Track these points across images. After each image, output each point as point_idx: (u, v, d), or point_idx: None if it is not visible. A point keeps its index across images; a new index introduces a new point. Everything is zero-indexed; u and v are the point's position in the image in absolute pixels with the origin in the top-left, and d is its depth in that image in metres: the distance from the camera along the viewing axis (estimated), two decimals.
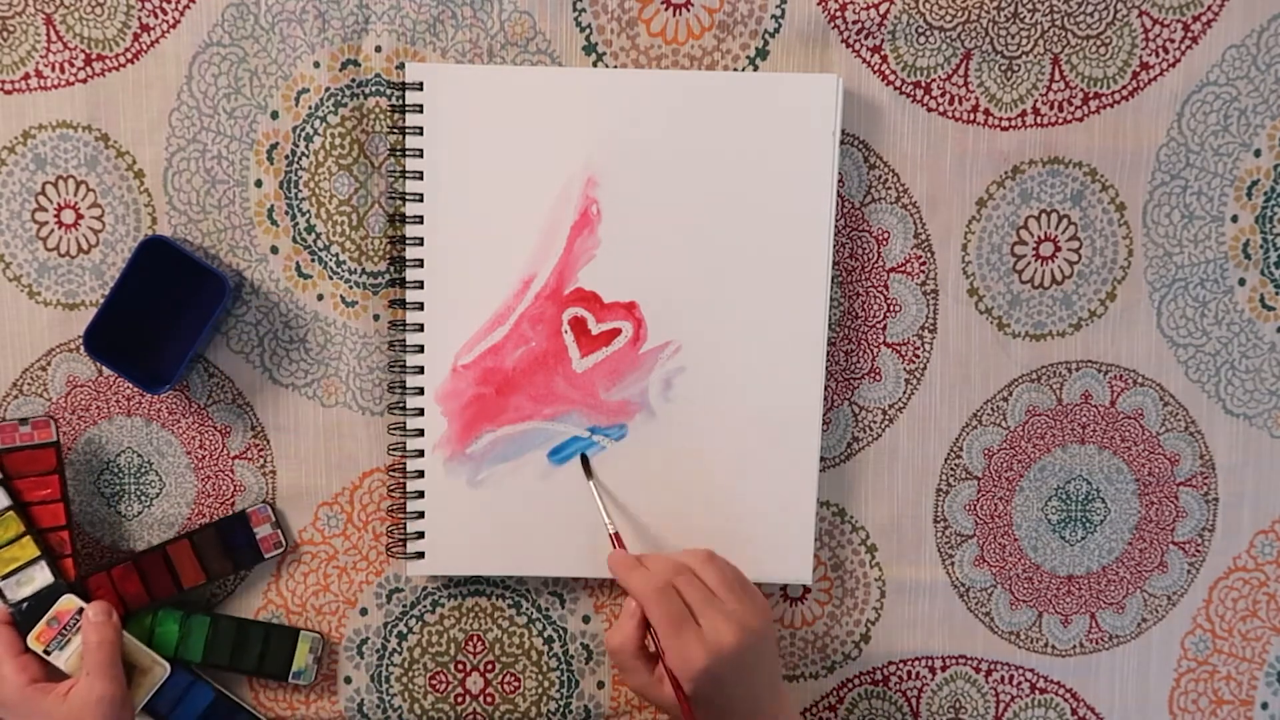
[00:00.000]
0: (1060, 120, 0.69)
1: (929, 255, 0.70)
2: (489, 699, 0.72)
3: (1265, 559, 0.73)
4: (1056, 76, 0.68)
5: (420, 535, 0.69)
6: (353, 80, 0.67)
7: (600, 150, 0.67)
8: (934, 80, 0.68)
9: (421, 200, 0.67)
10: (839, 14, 0.67)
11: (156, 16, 0.67)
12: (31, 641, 0.64)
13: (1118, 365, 0.71)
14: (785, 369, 0.68)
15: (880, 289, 0.70)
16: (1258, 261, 0.70)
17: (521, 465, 0.69)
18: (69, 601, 0.65)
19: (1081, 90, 0.68)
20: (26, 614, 0.65)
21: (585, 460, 0.68)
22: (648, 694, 0.62)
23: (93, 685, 0.62)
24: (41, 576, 0.65)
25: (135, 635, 0.67)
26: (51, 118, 0.67)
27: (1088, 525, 0.72)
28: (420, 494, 0.69)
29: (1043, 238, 0.70)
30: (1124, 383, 0.71)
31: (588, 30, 0.68)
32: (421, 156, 0.67)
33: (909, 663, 0.73)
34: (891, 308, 0.70)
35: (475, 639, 0.72)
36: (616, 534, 0.66)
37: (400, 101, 0.67)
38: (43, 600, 0.65)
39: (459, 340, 0.68)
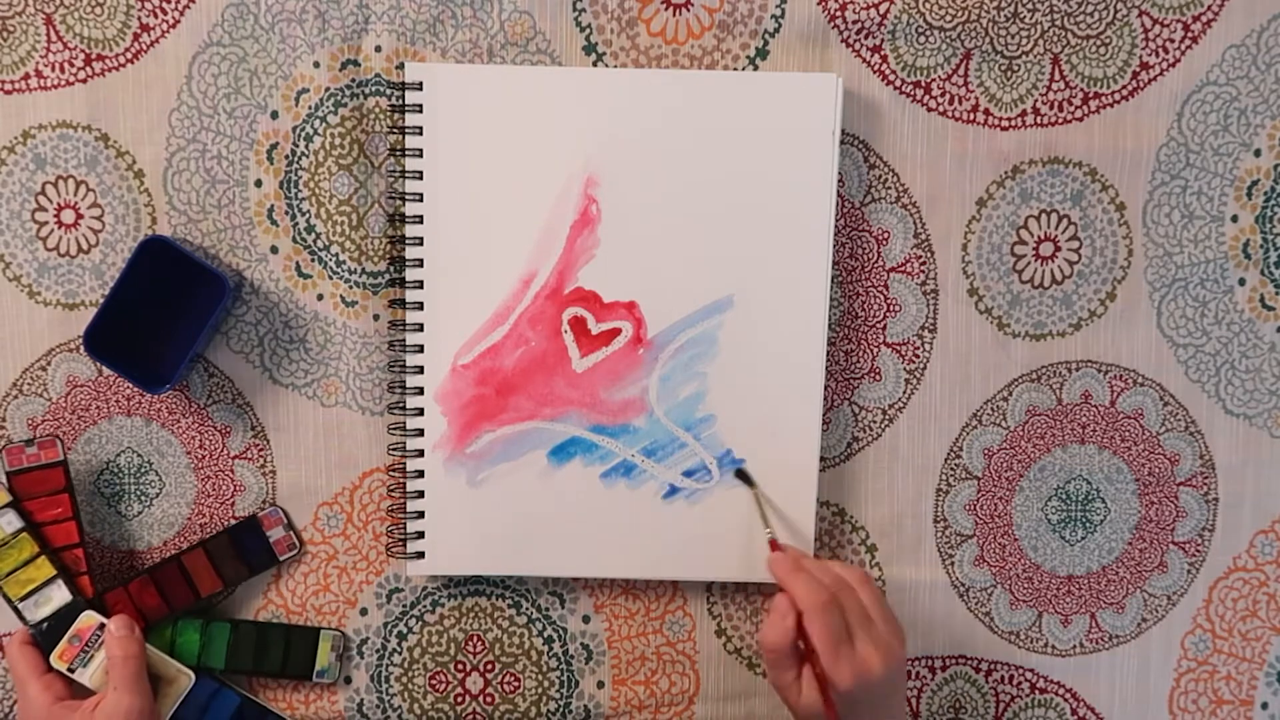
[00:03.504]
0: (1060, 120, 0.69)
1: (929, 255, 0.70)
2: (489, 699, 0.72)
3: (1265, 559, 0.73)
4: (1056, 76, 0.68)
5: (420, 535, 0.69)
6: (353, 80, 0.67)
7: (600, 150, 0.67)
8: (934, 80, 0.68)
9: (421, 200, 0.67)
10: (839, 14, 0.67)
11: (156, 16, 0.67)
12: (54, 660, 0.64)
13: (1118, 365, 0.71)
14: (785, 369, 0.68)
15: (880, 289, 0.70)
16: (1258, 261, 0.70)
17: (521, 465, 0.69)
18: (89, 618, 0.65)
19: (1081, 90, 0.68)
20: (47, 634, 0.65)
21: (743, 473, 0.68)
22: (786, 694, 0.61)
23: (120, 700, 0.61)
24: (59, 595, 0.65)
25: (156, 646, 0.66)
26: (51, 118, 0.67)
27: (1088, 525, 0.72)
28: (420, 494, 0.69)
29: (1043, 238, 0.70)
30: (1124, 383, 0.71)
31: (588, 30, 0.68)
32: (421, 156, 0.67)
33: (909, 663, 0.73)
34: (891, 308, 0.70)
35: (475, 639, 0.72)
36: (774, 540, 0.65)
37: (400, 101, 0.67)
38: (62, 619, 0.65)
39: (459, 340, 0.68)
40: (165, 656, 0.66)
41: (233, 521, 0.70)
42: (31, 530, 0.66)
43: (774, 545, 0.65)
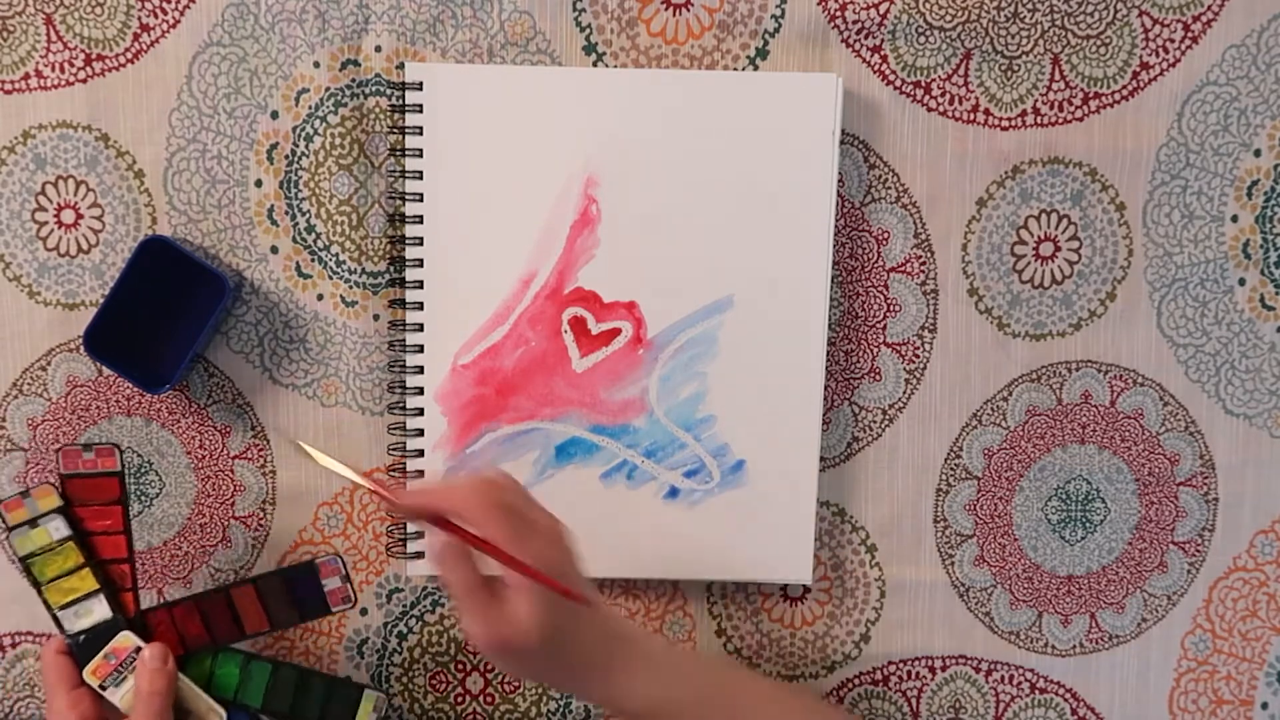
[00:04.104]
0: (1060, 120, 0.69)
1: (929, 255, 0.70)
2: (489, 699, 0.72)
3: (1265, 559, 0.73)
4: (1056, 76, 0.68)
5: (420, 535, 0.69)
6: (353, 80, 0.67)
7: (600, 150, 0.67)
8: (934, 80, 0.68)
9: (421, 200, 0.67)
10: (839, 14, 0.67)
11: (156, 16, 0.67)
12: (87, 675, 0.62)
13: (1118, 365, 0.71)
14: (785, 369, 0.68)
15: (880, 289, 0.70)
16: (1258, 261, 0.70)
17: (521, 465, 0.69)
18: (126, 639, 0.62)
19: (1081, 90, 0.68)
20: (84, 646, 0.62)
21: (299, 445, 0.62)
22: (495, 628, 0.55)
23: None
24: (100, 610, 0.63)
25: (195, 675, 0.64)
26: (51, 118, 0.67)
27: (1088, 525, 0.72)
28: None
29: (1043, 238, 0.70)
30: (1124, 383, 0.71)
31: (588, 30, 0.68)
32: (421, 156, 0.67)
33: (909, 663, 0.73)
34: (891, 308, 0.70)
35: None
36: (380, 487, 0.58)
37: (400, 101, 0.67)
38: (100, 634, 0.62)
39: (459, 340, 0.68)
40: (198, 690, 0.63)
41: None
42: (79, 539, 0.63)
43: (382, 495, 0.57)
